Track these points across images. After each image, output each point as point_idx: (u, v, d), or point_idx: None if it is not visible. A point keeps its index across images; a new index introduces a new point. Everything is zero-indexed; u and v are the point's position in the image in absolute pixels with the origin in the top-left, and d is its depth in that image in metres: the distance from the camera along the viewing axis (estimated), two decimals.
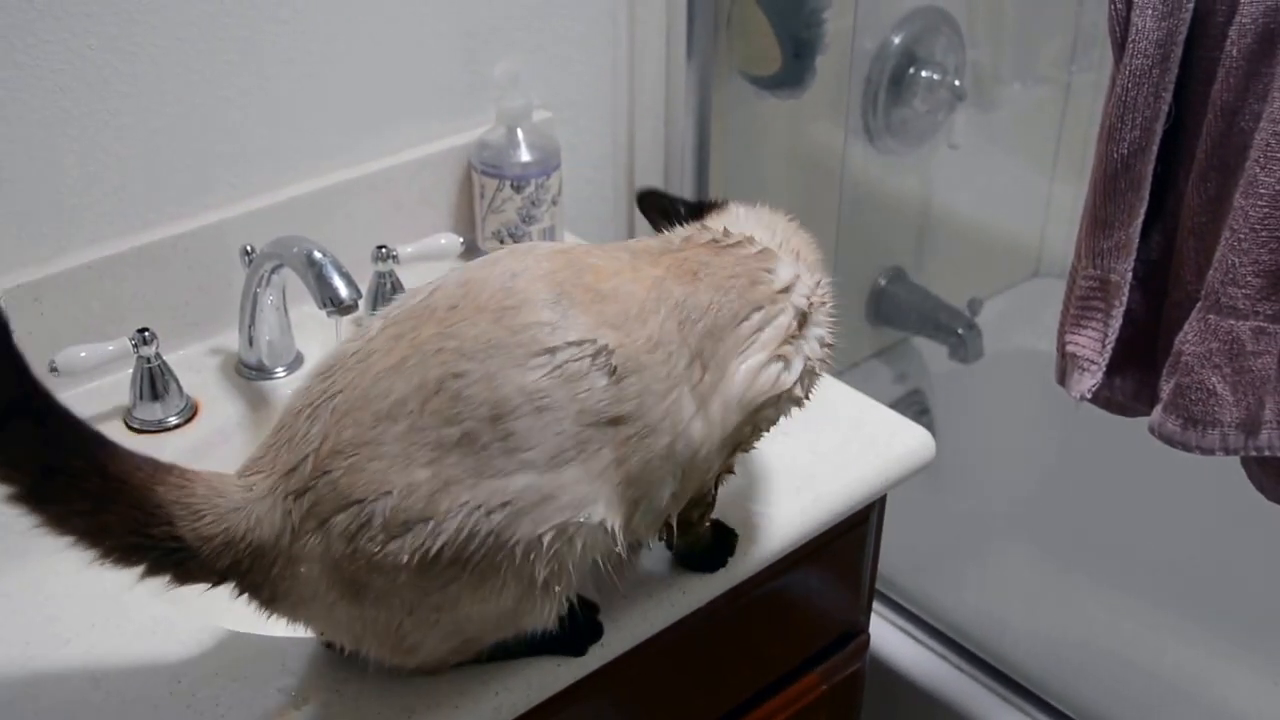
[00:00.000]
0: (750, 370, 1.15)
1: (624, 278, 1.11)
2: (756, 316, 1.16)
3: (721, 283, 1.15)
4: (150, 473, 1.04)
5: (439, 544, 1.01)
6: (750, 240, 1.21)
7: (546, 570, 1.05)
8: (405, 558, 1.02)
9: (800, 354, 1.19)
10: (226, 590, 1.06)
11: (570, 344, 1.04)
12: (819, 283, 1.24)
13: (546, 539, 1.04)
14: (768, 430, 1.23)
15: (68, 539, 1.01)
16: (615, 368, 1.05)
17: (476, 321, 1.04)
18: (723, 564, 1.31)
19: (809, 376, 1.21)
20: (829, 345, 1.23)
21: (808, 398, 1.22)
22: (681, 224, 1.29)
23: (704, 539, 1.30)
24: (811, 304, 1.21)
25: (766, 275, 1.19)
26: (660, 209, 1.38)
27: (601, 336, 1.05)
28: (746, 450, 1.25)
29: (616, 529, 1.08)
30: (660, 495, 1.12)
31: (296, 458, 1.05)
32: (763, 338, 1.16)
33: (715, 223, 1.26)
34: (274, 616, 1.09)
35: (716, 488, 1.26)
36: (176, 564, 1.04)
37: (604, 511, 1.07)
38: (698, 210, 1.33)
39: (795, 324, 1.18)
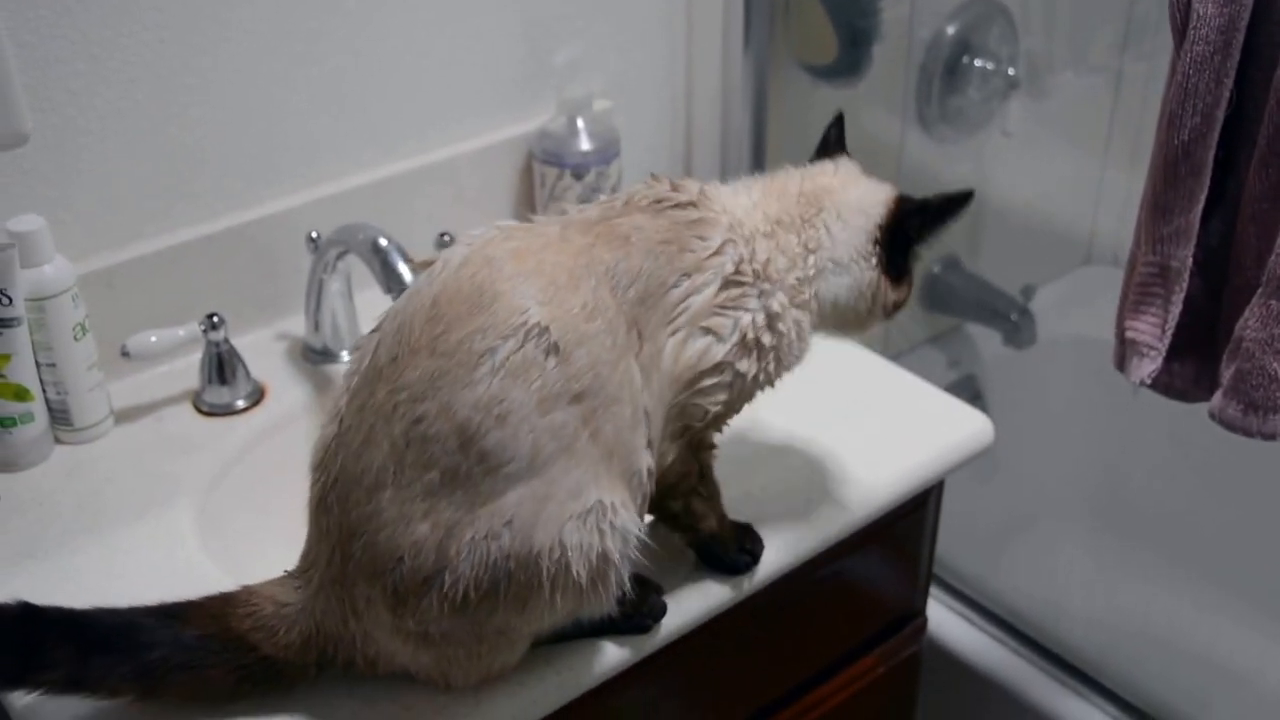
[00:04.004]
0: (677, 342, 1.12)
1: (548, 252, 1.08)
2: (685, 283, 1.12)
3: (652, 248, 1.11)
4: (220, 609, 1.11)
5: (461, 589, 1.03)
6: (695, 204, 1.15)
7: (587, 568, 1.06)
8: (436, 611, 1.04)
9: (736, 326, 1.14)
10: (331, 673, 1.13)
11: (504, 338, 1.02)
12: (768, 255, 1.16)
13: (568, 538, 1.04)
14: (721, 409, 1.18)
15: (182, 701, 1.10)
16: (556, 344, 1.03)
17: (415, 364, 1.03)
18: (744, 569, 1.29)
19: (758, 351, 1.16)
20: (782, 328, 1.17)
21: (772, 376, 1.19)
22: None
23: (718, 539, 1.28)
24: (757, 273, 1.15)
25: (698, 242, 1.13)
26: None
27: (532, 314, 1.03)
28: (705, 437, 1.21)
29: (619, 504, 1.08)
30: (639, 463, 1.11)
31: (328, 550, 1.08)
32: (692, 306, 1.12)
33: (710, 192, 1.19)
34: (380, 674, 1.13)
35: (704, 474, 1.24)
36: (274, 678, 1.11)
37: (598, 491, 1.06)
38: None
39: (722, 292, 1.13)
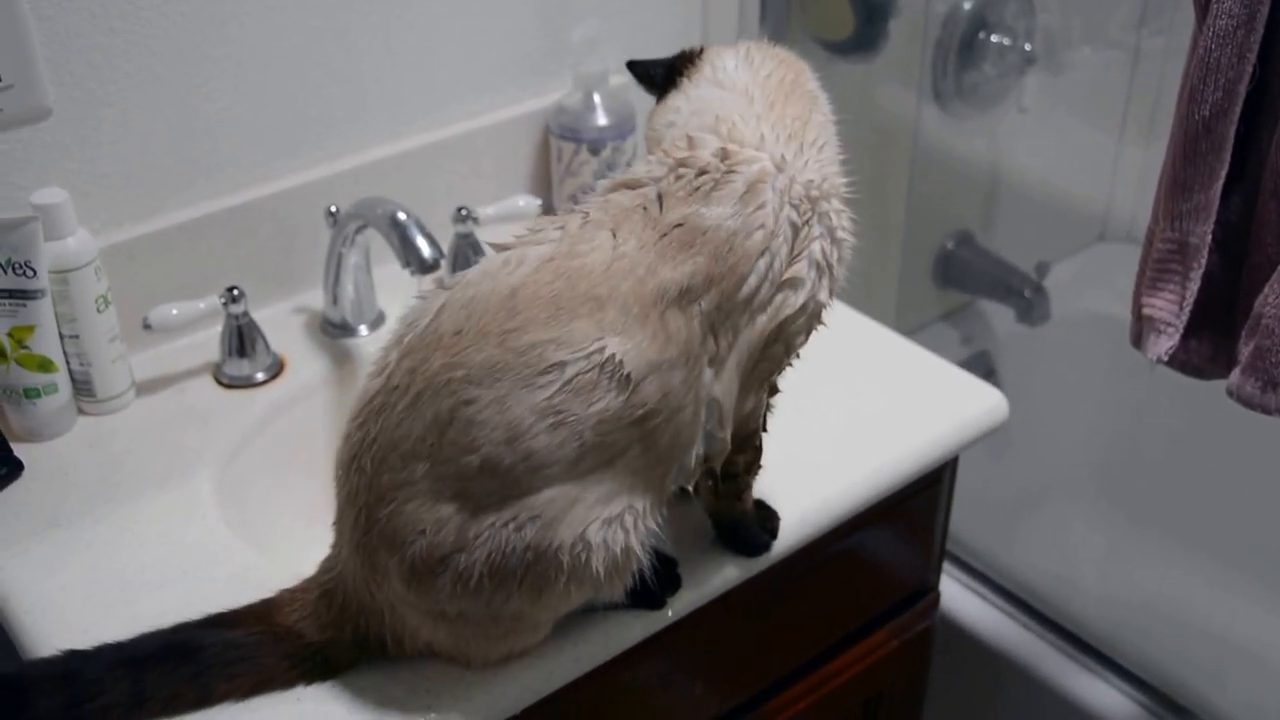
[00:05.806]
0: (767, 316, 1.10)
1: (617, 275, 1.04)
2: (760, 263, 1.08)
3: (718, 250, 1.06)
4: (265, 610, 1.14)
5: (476, 573, 1.03)
6: (734, 169, 1.09)
7: (607, 564, 1.07)
8: (449, 591, 1.05)
9: (810, 262, 1.11)
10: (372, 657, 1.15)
11: (577, 359, 1.01)
12: (808, 178, 1.12)
13: (592, 537, 1.05)
14: (802, 342, 1.16)
15: (241, 699, 1.11)
16: (629, 375, 1.02)
17: (482, 347, 1.02)
18: (765, 549, 1.30)
19: (830, 270, 1.14)
20: (841, 234, 1.14)
21: (831, 298, 1.15)
22: (659, 89, 1.26)
23: (747, 517, 1.29)
24: (810, 198, 1.11)
25: (759, 213, 1.08)
26: (641, 75, 1.31)
27: (608, 346, 1.02)
28: (780, 373, 1.19)
29: (648, 508, 1.09)
30: (689, 458, 1.11)
31: (355, 511, 1.08)
32: (771, 276, 1.09)
33: (683, 115, 1.17)
34: (408, 654, 1.14)
35: (764, 427, 1.23)
36: (324, 663, 1.13)
37: (630, 498, 1.07)
38: (672, 70, 1.25)
39: (793, 241, 1.10)
